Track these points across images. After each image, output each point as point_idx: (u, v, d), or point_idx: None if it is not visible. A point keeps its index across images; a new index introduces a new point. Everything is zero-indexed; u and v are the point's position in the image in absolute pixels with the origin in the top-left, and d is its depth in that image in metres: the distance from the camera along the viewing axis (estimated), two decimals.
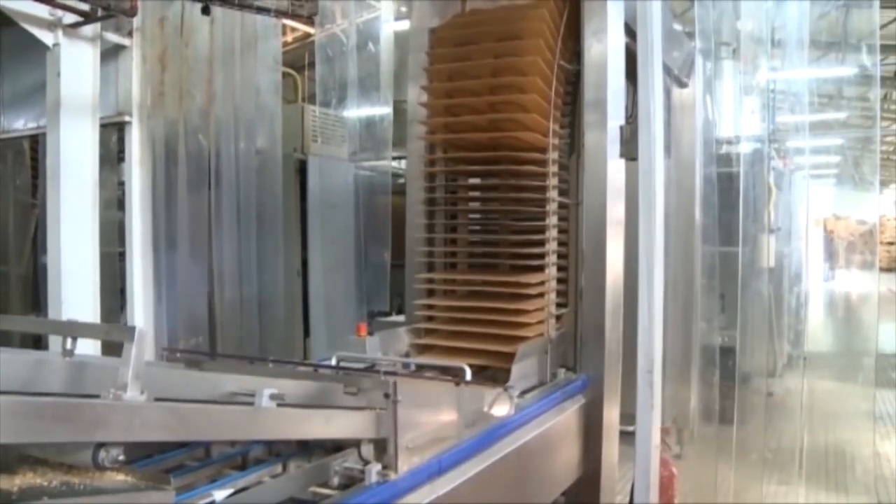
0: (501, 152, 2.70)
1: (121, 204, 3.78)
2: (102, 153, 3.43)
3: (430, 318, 2.90)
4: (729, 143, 4.99)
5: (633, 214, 2.69)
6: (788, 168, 6.58)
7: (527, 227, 2.76)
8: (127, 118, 3.64)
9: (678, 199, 4.18)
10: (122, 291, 3.73)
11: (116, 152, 3.78)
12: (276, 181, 4.32)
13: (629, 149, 2.77)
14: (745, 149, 4.74)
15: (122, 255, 3.74)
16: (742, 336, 4.37)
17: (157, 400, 1.31)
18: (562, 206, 2.81)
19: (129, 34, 3.59)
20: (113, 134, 3.71)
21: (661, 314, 2.67)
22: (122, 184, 3.78)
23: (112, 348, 1.44)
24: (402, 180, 5.66)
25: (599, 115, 2.71)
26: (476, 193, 3.04)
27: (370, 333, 2.61)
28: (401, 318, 3.57)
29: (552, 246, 2.72)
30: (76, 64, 3.22)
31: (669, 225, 3.39)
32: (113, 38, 3.54)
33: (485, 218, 2.99)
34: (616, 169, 2.75)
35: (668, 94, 4.09)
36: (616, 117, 2.75)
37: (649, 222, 2.61)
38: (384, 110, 4.73)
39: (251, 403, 1.57)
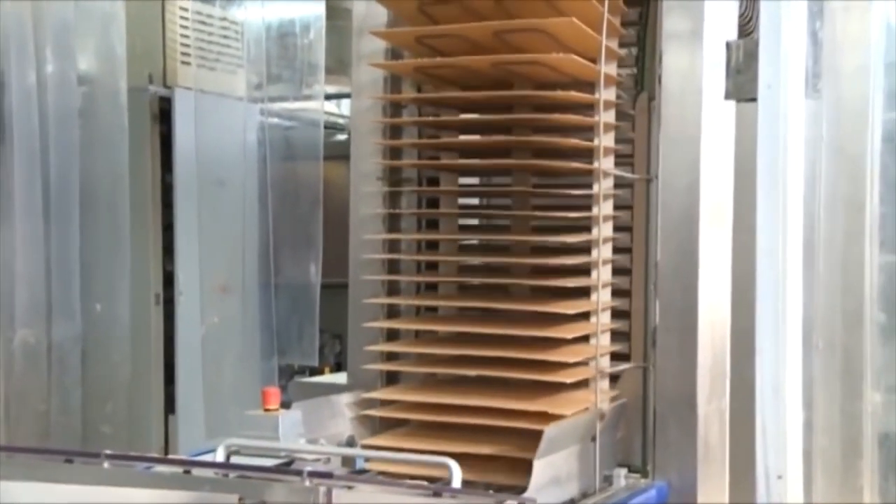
0: (518, 91, 2.83)
1: None
2: None
3: (390, 379, 3.04)
4: None
5: (747, 198, 2.79)
6: None
7: (560, 223, 2.89)
8: None
9: (834, 169, 4.27)
10: None
11: None
12: (118, 135, 4.40)
13: (742, 83, 2.88)
14: None
15: None
16: None
17: None
18: (621, 184, 2.94)
19: None
20: None
21: (799, 375, 2.76)
22: None
23: None
24: (342, 136, 5.75)
25: (690, 23, 2.84)
26: (473, 161, 3.17)
27: (285, 406, 2.73)
28: (339, 377, 3.67)
29: (604, 253, 2.85)
30: None
31: (815, 218, 3.49)
32: None
33: (487, 204, 3.12)
34: (718, 119, 2.88)
35: None
36: (719, 27, 2.88)
37: (777, 212, 2.69)
38: (312, 10, 4.81)
39: None
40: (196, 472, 2.23)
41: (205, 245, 4.78)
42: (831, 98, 4.37)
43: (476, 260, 3.16)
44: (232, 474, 2.21)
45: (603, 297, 2.85)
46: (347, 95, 4.50)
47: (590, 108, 2.84)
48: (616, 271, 2.94)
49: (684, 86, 2.84)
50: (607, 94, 2.84)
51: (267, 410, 2.67)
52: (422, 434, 2.84)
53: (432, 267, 3.17)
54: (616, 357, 2.94)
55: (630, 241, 2.99)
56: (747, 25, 3.14)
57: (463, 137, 3.16)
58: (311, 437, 2.75)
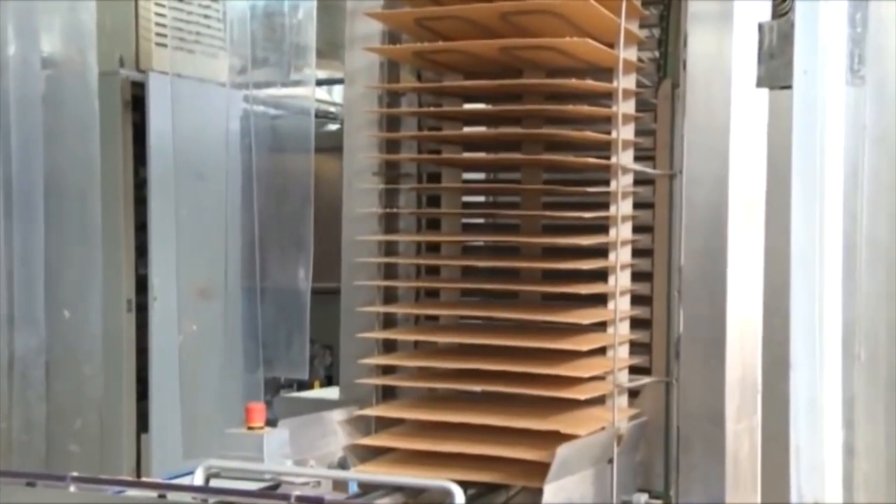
0: (528, 79, 2.85)
1: None
2: None
3: (386, 394, 3.06)
4: None
5: (781, 195, 2.80)
6: None
7: (574, 223, 2.91)
8: None
9: (878, 162, 4.28)
10: None
11: None
12: (87, 124, 4.42)
13: (775, 68, 2.89)
14: None
15: None
16: None
17: None
18: (641, 180, 2.96)
19: None
20: None
21: (838, 391, 2.77)
22: None
23: None
24: (334, 126, 5.76)
25: (718, 2, 2.85)
26: (478, 156, 3.19)
27: (271, 423, 2.75)
28: (330, 392, 3.68)
29: (622, 257, 2.87)
30: None
31: (857, 216, 3.50)
32: None
33: (493, 203, 3.13)
34: (749, 108, 2.90)
35: None
36: (750, 7, 2.89)
37: (814, 211, 2.70)
38: None
39: None
40: (172, 496, 2.25)
41: (182, 246, 4.78)
42: (875, 84, 4.37)
43: (481, 264, 3.17)
44: (212, 499, 2.23)
45: (621, 305, 2.86)
46: (340, 81, 4.52)
47: (607, 97, 2.86)
48: (636, 276, 2.96)
49: (712, 72, 2.85)
50: (626, 81, 2.85)
51: (250, 428, 2.68)
52: (421, 456, 2.84)
53: (433, 271, 3.19)
54: (635, 371, 2.95)
55: (651, 242, 3.00)
56: (782, 5, 3.14)
57: (467, 129, 3.18)
58: (299, 459, 2.76)
